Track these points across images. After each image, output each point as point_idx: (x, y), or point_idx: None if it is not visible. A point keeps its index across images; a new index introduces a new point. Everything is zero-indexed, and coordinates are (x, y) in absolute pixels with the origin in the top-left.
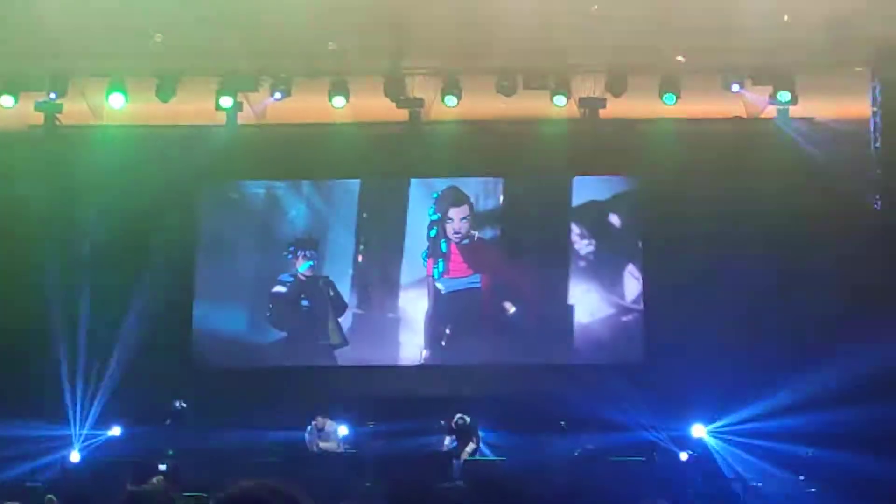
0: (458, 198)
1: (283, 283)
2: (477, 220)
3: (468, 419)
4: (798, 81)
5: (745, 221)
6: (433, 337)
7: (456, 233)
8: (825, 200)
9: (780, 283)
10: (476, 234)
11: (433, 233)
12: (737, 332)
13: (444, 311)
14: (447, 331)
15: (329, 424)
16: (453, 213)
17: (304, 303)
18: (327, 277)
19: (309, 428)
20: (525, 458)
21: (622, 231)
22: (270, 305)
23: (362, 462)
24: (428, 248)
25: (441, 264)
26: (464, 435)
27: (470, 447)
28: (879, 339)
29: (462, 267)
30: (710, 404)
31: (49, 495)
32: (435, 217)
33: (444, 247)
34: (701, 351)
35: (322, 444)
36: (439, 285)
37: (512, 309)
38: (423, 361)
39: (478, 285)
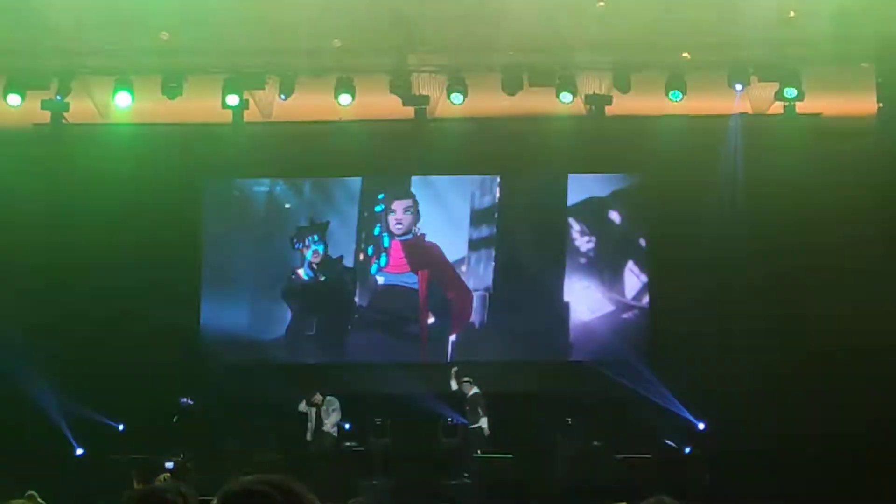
0: (402, 191)
1: (295, 277)
2: (474, 217)
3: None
4: (804, 77)
5: (752, 218)
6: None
7: (398, 224)
8: (831, 196)
9: (786, 280)
10: (419, 230)
11: (376, 230)
12: (741, 328)
13: (377, 304)
14: (349, 325)
15: (328, 402)
16: (396, 205)
17: (319, 294)
18: (341, 258)
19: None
20: (531, 455)
21: (622, 228)
22: (286, 301)
23: (370, 459)
24: (372, 244)
25: (383, 259)
26: (473, 407)
27: (483, 422)
28: (883, 336)
29: (401, 262)
30: (713, 401)
31: (30, 492)
32: (378, 209)
33: (385, 241)
34: (704, 348)
35: (325, 425)
36: (380, 278)
37: (431, 319)
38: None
39: (415, 286)
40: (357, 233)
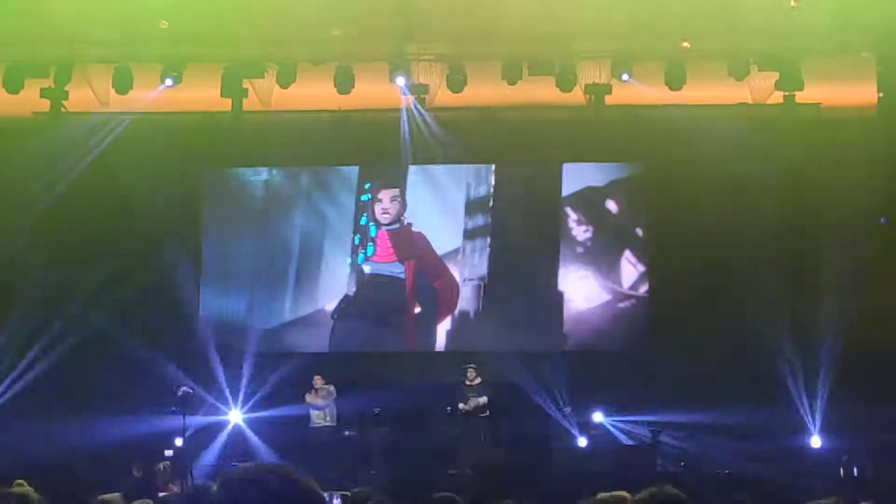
0: (389, 180)
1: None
2: (468, 207)
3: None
4: (804, 67)
5: (750, 208)
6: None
7: (384, 213)
8: (830, 186)
9: (784, 269)
10: (406, 219)
11: (363, 220)
12: (738, 319)
13: (364, 293)
14: (336, 316)
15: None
16: (383, 194)
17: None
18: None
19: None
20: (527, 445)
21: (619, 217)
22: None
23: (368, 449)
24: (359, 235)
25: (369, 248)
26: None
27: (483, 399)
28: (887, 328)
29: (388, 252)
30: (707, 390)
31: (19, 480)
32: (365, 198)
33: (372, 231)
34: (701, 338)
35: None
36: (366, 268)
37: (418, 309)
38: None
39: (402, 276)
40: (354, 221)
